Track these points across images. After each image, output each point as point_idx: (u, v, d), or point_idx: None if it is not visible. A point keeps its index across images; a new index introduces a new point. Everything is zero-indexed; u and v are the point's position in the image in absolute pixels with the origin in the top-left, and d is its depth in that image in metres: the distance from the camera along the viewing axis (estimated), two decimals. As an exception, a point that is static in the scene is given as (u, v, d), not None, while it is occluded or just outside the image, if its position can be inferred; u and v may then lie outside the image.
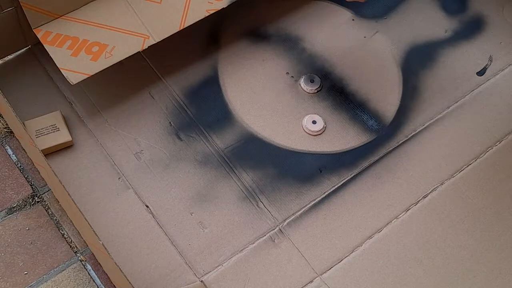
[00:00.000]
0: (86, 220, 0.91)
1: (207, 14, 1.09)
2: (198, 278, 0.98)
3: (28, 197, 1.02)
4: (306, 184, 1.07)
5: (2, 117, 1.09)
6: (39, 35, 1.04)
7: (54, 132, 1.06)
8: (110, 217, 1.02)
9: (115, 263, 0.88)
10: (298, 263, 1.00)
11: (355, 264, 1.00)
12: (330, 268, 1.00)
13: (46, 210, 1.01)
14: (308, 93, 1.16)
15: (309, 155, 1.11)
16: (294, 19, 1.25)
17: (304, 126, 1.13)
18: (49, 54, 1.03)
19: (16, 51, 1.15)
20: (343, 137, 1.13)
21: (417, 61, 1.22)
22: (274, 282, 0.99)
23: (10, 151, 1.06)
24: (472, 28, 1.26)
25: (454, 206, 1.06)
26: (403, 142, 1.12)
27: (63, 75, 1.02)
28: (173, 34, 1.07)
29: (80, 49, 1.04)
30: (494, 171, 1.09)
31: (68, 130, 1.08)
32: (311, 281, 0.99)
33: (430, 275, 1.00)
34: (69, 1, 1.06)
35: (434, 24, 1.27)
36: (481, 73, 1.21)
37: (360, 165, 1.10)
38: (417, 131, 1.14)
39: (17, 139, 1.07)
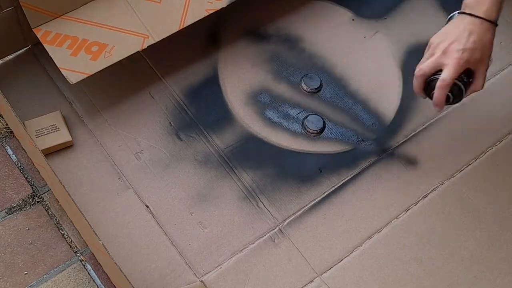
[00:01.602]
0: (86, 220, 0.91)
1: (206, 14, 1.09)
2: (198, 278, 0.98)
3: (28, 197, 1.02)
4: (306, 184, 1.07)
5: (2, 117, 1.09)
6: (38, 35, 1.04)
7: (54, 132, 1.06)
8: (110, 217, 1.02)
9: (115, 263, 0.87)
10: (298, 263, 1.00)
11: (355, 264, 1.00)
12: (330, 268, 1.00)
13: (46, 210, 1.01)
14: (308, 93, 1.16)
15: (309, 155, 1.11)
16: (294, 19, 1.25)
17: (304, 126, 1.12)
18: (48, 54, 1.03)
19: (16, 51, 1.15)
20: (343, 137, 1.12)
21: (417, 61, 1.21)
22: (274, 282, 0.98)
23: (10, 151, 1.06)
24: (472, 28, 1.26)
25: (454, 206, 1.06)
26: (403, 142, 1.12)
27: (63, 75, 1.02)
28: (173, 34, 1.07)
29: (79, 49, 1.04)
30: (494, 171, 1.09)
31: (68, 130, 1.08)
32: (311, 281, 0.99)
33: (430, 275, 1.00)
34: (69, 0, 1.06)
35: (434, 24, 1.26)
36: (481, 73, 1.21)
37: (360, 165, 1.10)
38: (417, 131, 1.13)
39: (17, 139, 1.07)
